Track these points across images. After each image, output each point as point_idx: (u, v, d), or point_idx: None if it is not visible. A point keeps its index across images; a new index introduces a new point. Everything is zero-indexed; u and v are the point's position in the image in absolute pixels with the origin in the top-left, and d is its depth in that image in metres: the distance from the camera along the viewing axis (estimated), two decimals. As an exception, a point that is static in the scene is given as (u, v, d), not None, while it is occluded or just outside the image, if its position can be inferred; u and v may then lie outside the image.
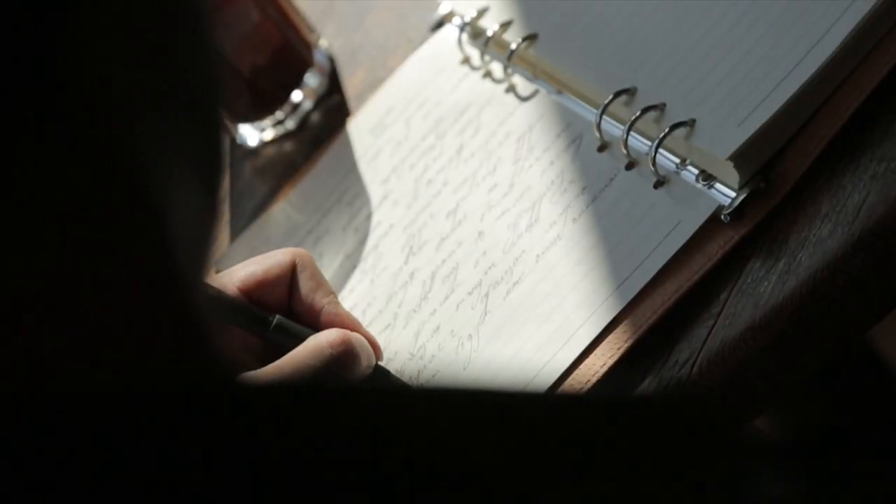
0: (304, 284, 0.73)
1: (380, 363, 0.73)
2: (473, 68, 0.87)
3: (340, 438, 0.31)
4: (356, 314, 0.76)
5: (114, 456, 0.29)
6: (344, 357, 0.69)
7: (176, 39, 0.32)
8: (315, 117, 0.96)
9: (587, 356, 0.68)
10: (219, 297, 0.71)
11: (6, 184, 0.28)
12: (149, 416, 0.30)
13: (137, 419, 0.30)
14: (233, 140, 0.98)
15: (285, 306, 0.73)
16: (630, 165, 0.73)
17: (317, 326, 0.72)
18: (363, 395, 0.33)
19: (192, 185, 0.32)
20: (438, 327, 0.75)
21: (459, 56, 0.88)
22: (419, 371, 0.74)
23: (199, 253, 0.33)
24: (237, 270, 0.74)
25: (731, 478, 0.31)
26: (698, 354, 0.65)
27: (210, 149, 0.33)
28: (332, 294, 0.74)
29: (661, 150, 0.70)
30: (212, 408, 0.31)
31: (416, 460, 0.30)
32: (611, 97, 0.74)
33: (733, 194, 0.67)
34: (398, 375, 0.73)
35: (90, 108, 0.29)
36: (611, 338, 0.68)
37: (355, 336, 0.70)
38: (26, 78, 0.28)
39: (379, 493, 0.30)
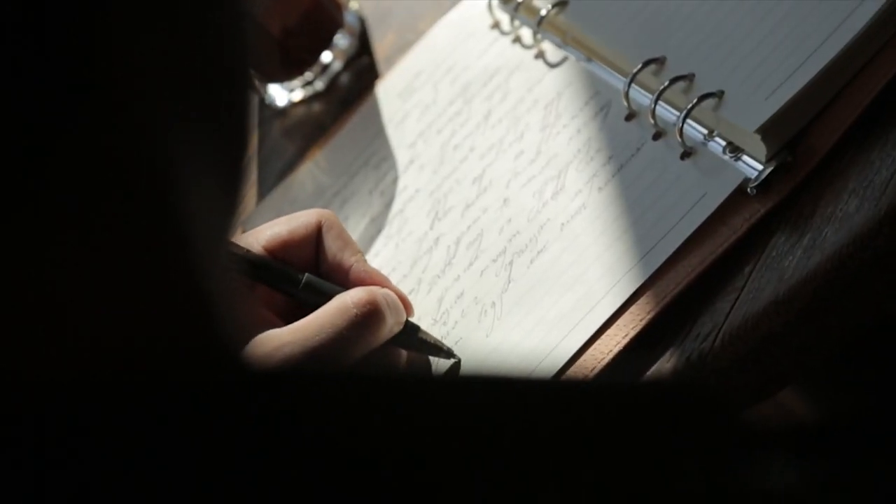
0: (332, 244, 0.73)
1: (410, 319, 0.72)
2: (503, 33, 0.86)
3: (346, 428, 0.31)
4: (380, 278, 0.75)
5: (122, 447, 0.30)
6: (369, 316, 0.68)
7: (207, 39, 0.31)
8: (344, 79, 0.96)
9: (609, 326, 0.68)
10: (247, 255, 0.71)
11: (21, 179, 0.28)
12: (158, 410, 0.30)
13: (146, 412, 0.30)
14: (261, 100, 0.98)
15: (312, 267, 0.73)
16: (657, 135, 0.73)
17: (346, 285, 0.72)
18: (371, 383, 0.33)
19: (213, 181, 0.32)
20: (462, 293, 0.75)
21: (489, 21, 0.87)
22: (442, 337, 0.74)
23: (216, 246, 0.33)
24: (262, 231, 0.74)
25: (740, 466, 0.31)
26: (721, 328, 0.65)
27: (234, 146, 0.33)
28: (360, 253, 0.74)
29: (688, 121, 0.70)
30: (223, 400, 0.31)
31: (424, 450, 0.30)
32: (640, 66, 0.74)
33: (760, 167, 0.67)
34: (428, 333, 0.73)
35: (112, 109, 0.29)
36: (633, 309, 0.67)
37: (383, 293, 0.70)
38: (47, 75, 0.28)
39: (383, 483, 0.30)
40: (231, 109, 0.33)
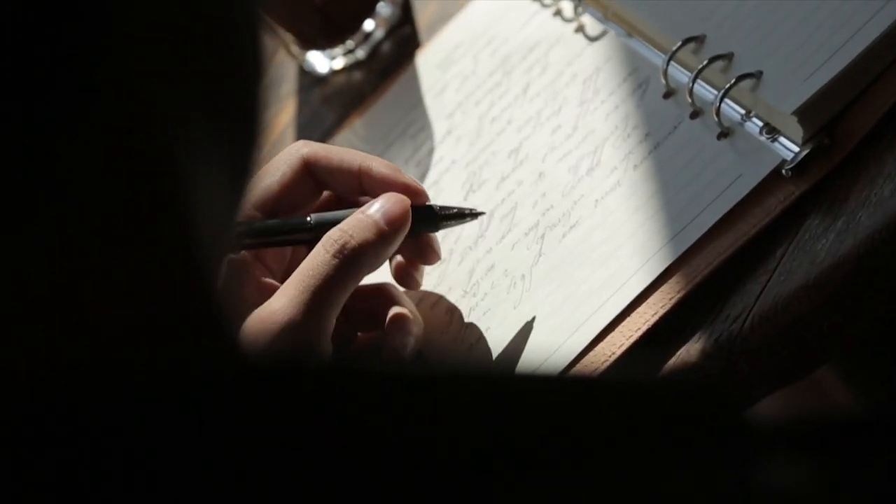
0: (332, 160, 0.71)
1: (429, 204, 0.72)
2: (544, 5, 0.86)
3: (350, 425, 0.31)
4: (413, 249, 0.75)
5: (118, 444, 0.30)
6: (350, 255, 0.67)
7: (220, 39, 0.31)
8: (385, 47, 0.95)
9: (640, 304, 0.67)
10: (249, 227, 0.69)
11: (27, 178, 0.28)
12: (154, 408, 0.30)
13: (143, 409, 0.30)
14: (301, 67, 0.98)
15: (316, 198, 0.72)
16: (695, 114, 0.72)
17: (372, 192, 0.71)
18: (376, 378, 0.33)
19: (222, 178, 0.32)
20: (493, 266, 0.75)
21: (531, -8, 0.87)
22: (471, 309, 0.74)
23: (221, 241, 0.33)
24: (251, 194, 0.71)
25: (741, 467, 0.31)
26: (751, 309, 0.64)
27: (245, 145, 0.33)
28: (352, 153, 0.72)
29: (726, 101, 0.70)
30: (219, 397, 0.31)
31: (420, 445, 0.31)
32: (679, 44, 0.73)
33: (796, 149, 0.67)
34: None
35: (121, 109, 0.29)
36: (664, 287, 0.67)
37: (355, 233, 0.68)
38: (56, 75, 0.28)
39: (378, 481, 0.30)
40: (243, 108, 0.33)
